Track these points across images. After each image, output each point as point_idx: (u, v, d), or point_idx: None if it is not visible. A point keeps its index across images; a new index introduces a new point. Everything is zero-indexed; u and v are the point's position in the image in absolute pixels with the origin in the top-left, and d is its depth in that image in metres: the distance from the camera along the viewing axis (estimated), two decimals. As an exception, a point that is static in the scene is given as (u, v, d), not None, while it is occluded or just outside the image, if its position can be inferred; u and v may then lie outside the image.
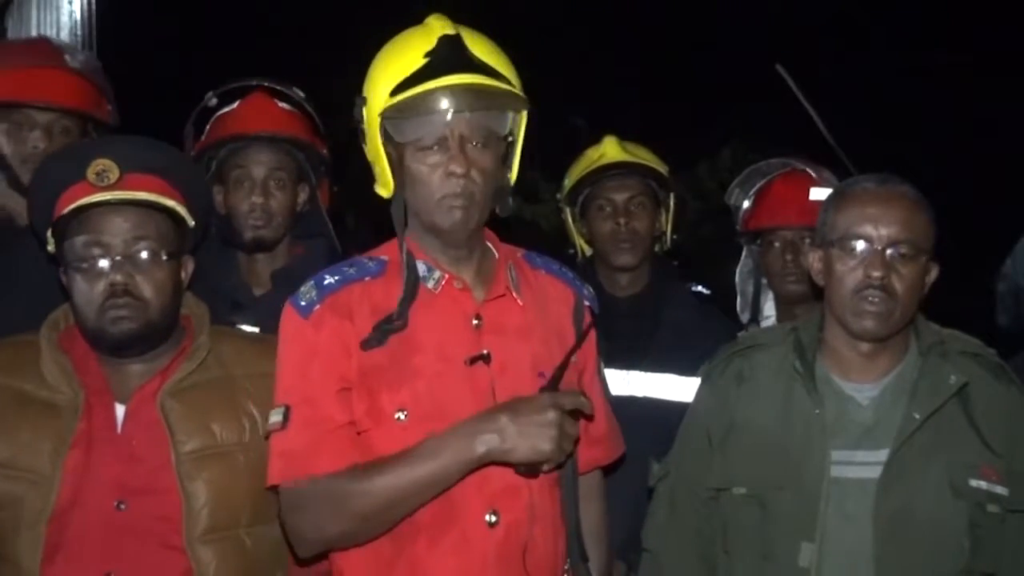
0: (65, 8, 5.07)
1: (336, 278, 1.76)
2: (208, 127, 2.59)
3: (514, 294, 1.82)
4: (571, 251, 2.89)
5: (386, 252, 1.82)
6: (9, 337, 1.90)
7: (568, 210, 2.85)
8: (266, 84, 2.59)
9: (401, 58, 1.74)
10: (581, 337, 1.81)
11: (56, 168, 1.88)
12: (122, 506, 1.75)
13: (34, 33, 4.82)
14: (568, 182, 2.84)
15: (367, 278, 1.77)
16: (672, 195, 2.81)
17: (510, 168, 1.84)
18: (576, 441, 1.72)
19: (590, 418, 1.83)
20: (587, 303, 1.95)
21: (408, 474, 1.65)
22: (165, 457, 1.79)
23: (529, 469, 1.68)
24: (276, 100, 2.58)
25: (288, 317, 1.75)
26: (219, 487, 1.80)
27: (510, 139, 1.82)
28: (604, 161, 2.76)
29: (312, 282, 1.76)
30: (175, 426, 1.80)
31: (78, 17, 5.09)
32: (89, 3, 5.16)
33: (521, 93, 1.77)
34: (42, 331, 1.85)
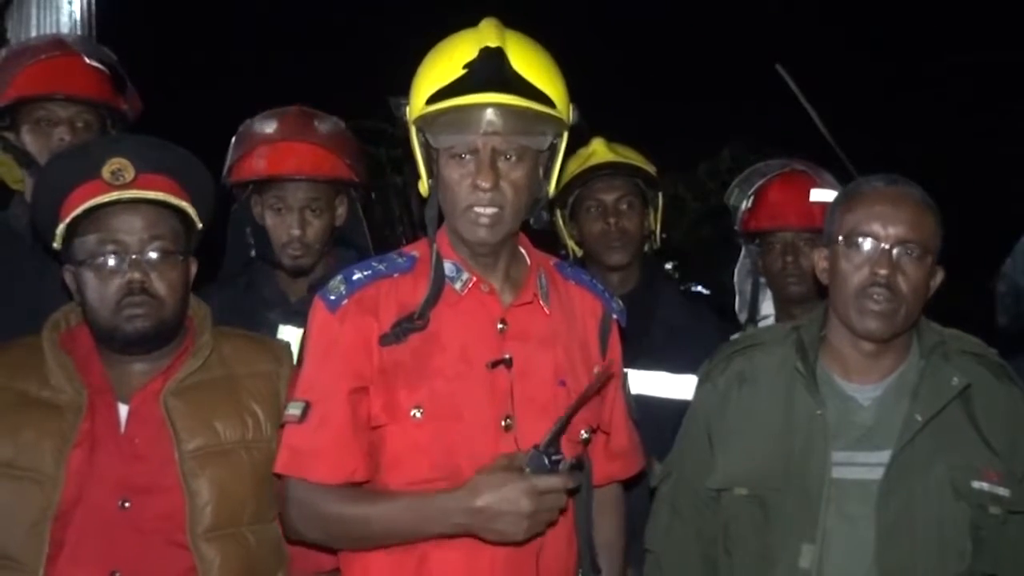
0: (65, 8, 5.07)
1: (365, 274, 1.77)
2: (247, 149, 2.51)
3: (541, 302, 1.81)
4: (562, 252, 2.89)
5: (418, 249, 1.82)
6: (13, 339, 1.90)
7: (558, 211, 2.86)
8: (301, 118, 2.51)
9: (441, 65, 1.71)
10: (592, 388, 1.74)
11: (67, 166, 1.87)
12: (126, 505, 1.76)
13: (34, 33, 4.83)
14: None
15: (396, 274, 1.77)
16: (660, 195, 2.83)
17: (548, 179, 1.80)
18: (569, 497, 1.71)
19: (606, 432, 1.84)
20: (615, 316, 1.94)
21: (382, 522, 1.68)
22: (168, 455, 1.79)
23: None
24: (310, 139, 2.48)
25: (316, 311, 1.77)
26: (222, 485, 1.81)
27: (550, 150, 1.78)
28: (593, 162, 2.77)
29: (341, 277, 1.77)
30: (178, 424, 1.81)
31: (78, 17, 5.09)
32: (89, 3, 5.17)
33: (561, 114, 1.73)
34: (44, 332, 1.85)
